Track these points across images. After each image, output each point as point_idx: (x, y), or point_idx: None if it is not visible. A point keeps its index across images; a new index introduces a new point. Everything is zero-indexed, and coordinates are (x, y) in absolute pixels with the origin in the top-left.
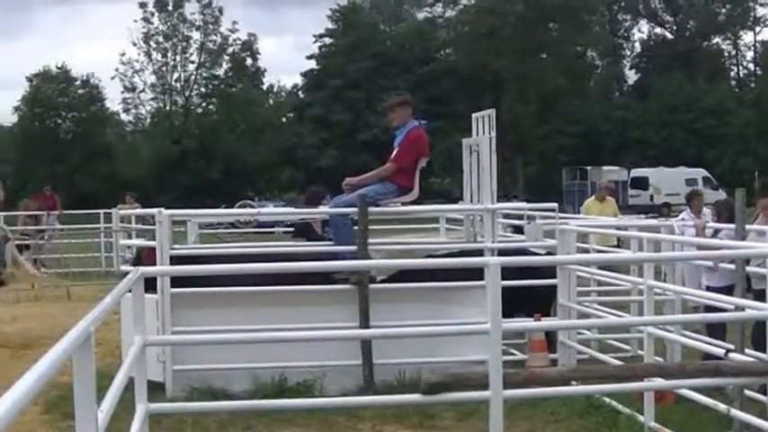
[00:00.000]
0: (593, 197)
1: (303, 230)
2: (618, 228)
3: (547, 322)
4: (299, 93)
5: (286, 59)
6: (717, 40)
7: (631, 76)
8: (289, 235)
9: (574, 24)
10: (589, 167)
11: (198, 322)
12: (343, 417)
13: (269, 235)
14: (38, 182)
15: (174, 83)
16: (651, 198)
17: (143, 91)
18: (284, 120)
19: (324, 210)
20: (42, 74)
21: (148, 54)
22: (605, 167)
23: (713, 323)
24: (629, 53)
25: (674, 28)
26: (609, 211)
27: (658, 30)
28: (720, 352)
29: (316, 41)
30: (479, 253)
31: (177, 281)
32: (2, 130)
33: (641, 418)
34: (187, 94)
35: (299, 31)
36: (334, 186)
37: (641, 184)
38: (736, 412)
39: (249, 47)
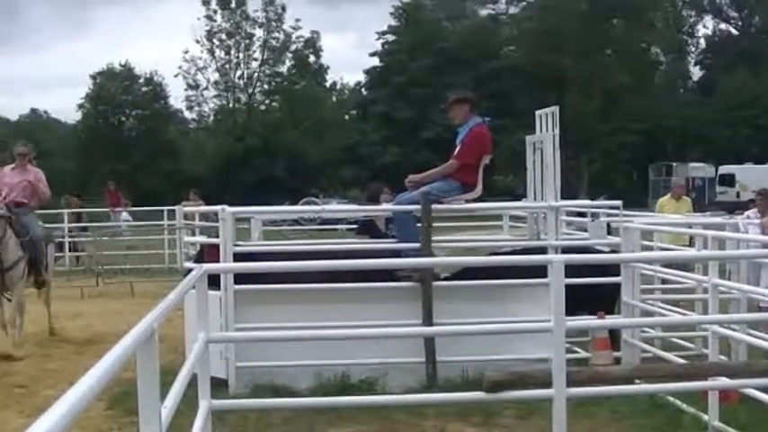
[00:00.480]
0: (668, 195)
1: (366, 227)
2: (683, 225)
3: (610, 320)
4: (363, 90)
5: (348, 57)
6: None
7: (696, 73)
8: (351, 232)
9: (638, 21)
10: (675, 164)
11: (261, 319)
12: (406, 414)
13: (332, 232)
14: (101, 179)
15: (237, 80)
16: (738, 195)
17: (206, 88)
18: (347, 117)
19: (387, 207)
20: (106, 72)
21: (212, 52)
22: (692, 164)
23: None
24: (693, 49)
25: (740, 24)
26: (683, 209)
27: (723, 26)
28: None
29: (379, 39)
30: (543, 250)
31: (240, 278)
32: (66, 128)
33: (705, 417)
34: (250, 91)
35: (360, 28)
36: (397, 183)
37: (728, 180)
38: None
39: (312, 44)
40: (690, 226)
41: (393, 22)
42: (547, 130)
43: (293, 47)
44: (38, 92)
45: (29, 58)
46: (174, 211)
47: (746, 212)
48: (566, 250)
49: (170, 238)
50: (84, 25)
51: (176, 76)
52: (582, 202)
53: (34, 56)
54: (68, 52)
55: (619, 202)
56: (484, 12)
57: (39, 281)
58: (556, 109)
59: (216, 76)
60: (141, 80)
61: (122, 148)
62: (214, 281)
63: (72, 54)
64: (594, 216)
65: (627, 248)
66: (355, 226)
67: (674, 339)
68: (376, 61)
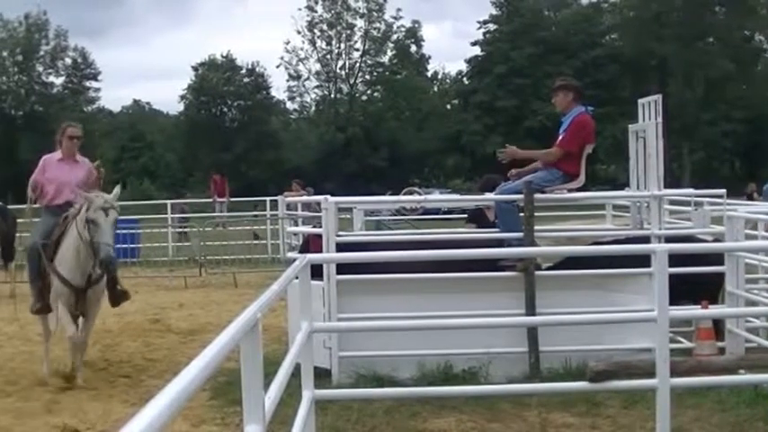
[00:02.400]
0: None
1: (475, 217)
2: None
3: (714, 310)
4: (464, 79)
5: (446, 46)
6: None
7: None
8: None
9: (741, 8)
10: None
11: (363, 309)
12: (509, 404)
13: (434, 222)
14: (204, 170)
15: (338, 70)
16: None
17: (308, 79)
18: (449, 106)
19: (489, 197)
20: (208, 63)
21: (313, 42)
22: None
23: None
24: None
25: None
26: None
27: None
28: None
29: (480, 28)
30: (646, 240)
31: (343, 268)
32: (168, 119)
33: None
34: (352, 81)
35: (458, 17)
36: (500, 173)
37: None
38: None
39: (413, 34)
40: None
41: (494, 11)
42: (649, 118)
43: (394, 37)
44: (140, 83)
45: (130, 49)
46: (276, 201)
47: None
48: (669, 239)
49: (273, 228)
50: (185, 16)
51: (278, 66)
52: (685, 191)
53: (136, 46)
54: (169, 43)
55: (722, 191)
56: (585, 0)
57: (115, 296)
58: (658, 97)
59: (317, 66)
60: (243, 71)
61: (224, 139)
62: (317, 271)
63: (173, 45)
64: (698, 205)
65: (731, 237)
66: (465, 215)
67: None
68: (477, 50)
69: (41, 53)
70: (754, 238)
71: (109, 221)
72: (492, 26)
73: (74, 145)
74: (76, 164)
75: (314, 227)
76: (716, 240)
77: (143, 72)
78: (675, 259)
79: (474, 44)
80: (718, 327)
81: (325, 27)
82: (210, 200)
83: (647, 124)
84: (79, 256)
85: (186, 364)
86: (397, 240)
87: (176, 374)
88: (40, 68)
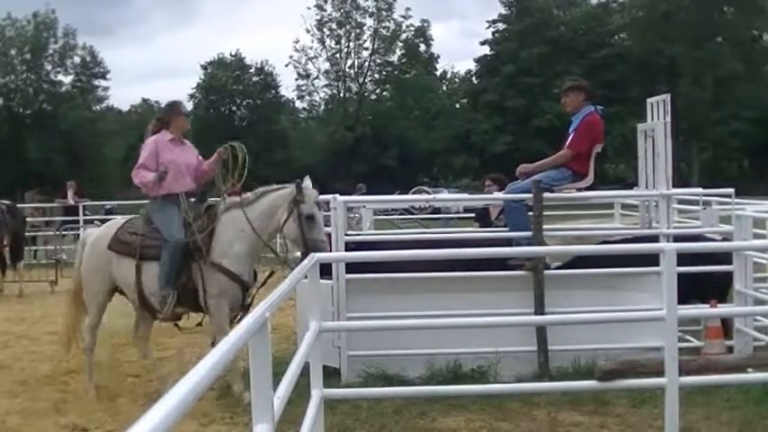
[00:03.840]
0: None
1: (480, 216)
2: None
3: (723, 309)
4: (473, 79)
5: (454, 45)
6: None
7: None
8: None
9: (749, 8)
10: None
11: (372, 308)
12: (518, 403)
13: (443, 221)
14: None
15: (347, 69)
16: None
17: (317, 78)
18: (458, 106)
19: (499, 195)
20: (217, 61)
21: (322, 41)
22: None
23: None
24: None
25: None
26: None
27: None
28: None
29: (489, 27)
30: (654, 239)
31: (352, 267)
32: None
33: None
34: (361, 80)
35: (465, 16)
36: (508, 172)
37: None
38: None
39: (422, 33)
40: None
41: (503, 11)
42: (658, 118)
43: (403, 36)
44: (149, 82)
45: (139, 48)
46: None
47: None
48: (677, 238)
49: None
50: (194, 14)
51: (287, 65)
52: (694, 190)
53: (144, 45)
54: (178, 42)
55: (731, 190)
56: (594, 0)
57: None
58: (667, 97)
59: (326, 65)
60: (252, 70)
61: (233, 138)
62: (326, 270)
63: (182, 43)
64: (706, 204)
65: (739, 236)
66: (473, 215)
67: None
68: (486, 50)
69: (50, 52)
70: (763, 237)
71: (321, 217)
72: (501, 25)
73: (188, 123)
74: (185, 145)
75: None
76: (724, 239)
77: (152, 71)
78: (684, 258)
79: (483, 43)
80: (726, 325)
81: (334, 26)
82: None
83: (656, 124)
84: (252, 251)
85: (195, 363)
86: (406, 240)
87: (185, 374)
88: (49, 67)
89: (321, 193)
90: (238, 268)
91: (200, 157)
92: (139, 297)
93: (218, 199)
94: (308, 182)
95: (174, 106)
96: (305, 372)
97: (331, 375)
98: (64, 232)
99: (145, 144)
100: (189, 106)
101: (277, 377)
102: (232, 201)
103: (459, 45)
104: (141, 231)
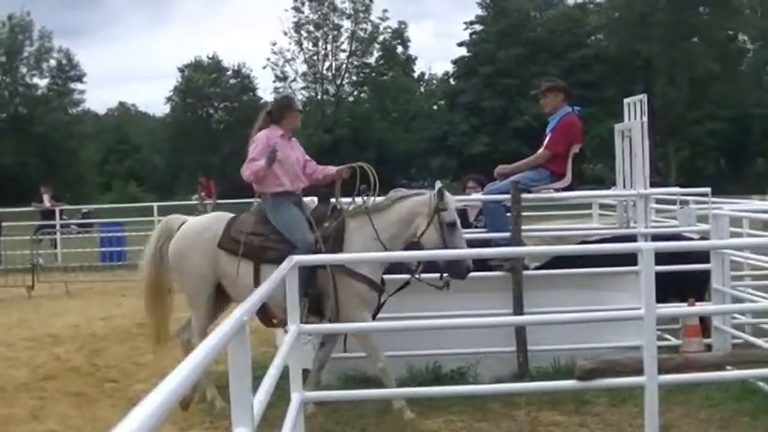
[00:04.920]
0: None
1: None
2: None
3: (701, 307)
4: (451, 80)
5: (427, 46)
6: None
7: None
8: None
9: (725, 8)
10: None
11: None
12: (498, 403)
13: None
14: (190, 171)
15: (325, 71)
16: None
17: (294, 80)
18: (435, 107)
19: (477, 197)
20: (194, 64)
21: (299, 43)
22: None
23: None
24: None
25: None
26: None
27: None
28: None
29: (466, 29)
30: (632, 238)
31: None
32: (154, 121)
33: None
34: (338, 82)
35: (439, 17)
36: (487, 174)
37: None
38: None
39: (400, 35)
40: None
41: (480, 12)
42: (635, 118)
43: (381, 38)
44: (126, 85)
45: (116, 51)
46: None
47: None
48: (655, 238)
49: None
50: (170, 17)
51: (264, 67)
52: (671, 190)
53: (121, 48)
54: (155, 44)
55: (707, 190)
56: (571, 0)
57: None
58: (644, 97)
59: (304, 67)
60: (229, 72)
61: (211, 141)
62: None
63: (159, 46)
64: (683, 203)
65: (716, 235)
66: None
67: (765, 325)
68: (463, 51)
69: (25, 54)
70: (739, 235)
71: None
72: (478, 27)
73: (294, 118)
74: (294, 142)
75: None
76: (702, 238)
77: (128, 73)
78: (662, 257)
79: (460, 45)
80: (704, 324)
81: (311, 28)
82: (196, 202)
83: (633, 124)
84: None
85: (174, 367)
86: None
87: (164, 378)
88: (24, 70)
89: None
90: (376, 275)
91: (307, 156)
92: None
93: (347, 200)
94: (439, 183)
95: (288, 102)
96: (285, 375)
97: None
98: (40, 237)
99: (254, 139)
100: (166, 109)
101: (257, 380)
102: (359, 206)
103: (434, 46)
104: (260, 231)
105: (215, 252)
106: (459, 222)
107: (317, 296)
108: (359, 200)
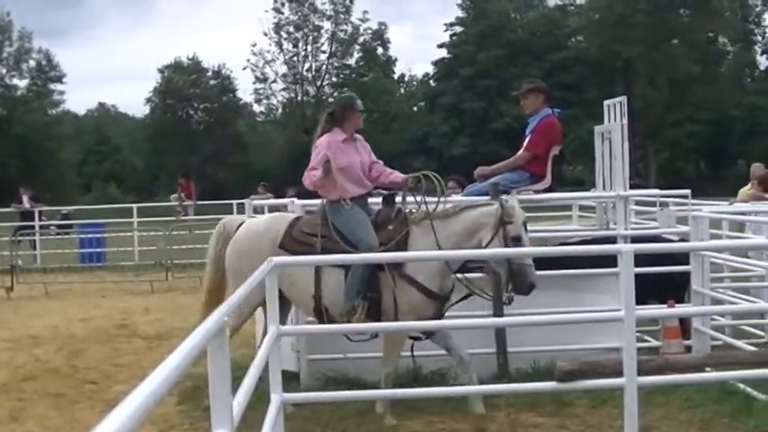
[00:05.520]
0: None
1: None
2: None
3: (681, 309)
4: (431, 81)
5: (407, 48)
6: None
7: (763, 62)
8: None
9: (705, 10)
10: None
11: None
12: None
13: None
14: (170, 172)
15: (305, 73)
16: None
17: (274, 81)
18: (416, 109)
19: (456, 198)
20: (174, 65)
21: (279, 44)
22: None
23: None
24: (760, 38)
25: None
26: None
27: None
28: None
29: (446, 30)
30: (612, 240)
31: None
32: (134, 122)
33: None
34: (318, 83)
35: (418, 19)
36: (467, 175)
37: None
38: None
39: (380, 36)
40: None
41: (460, 14)
42: (615, 119)
43: (361, 39)
44: (105, 85)
45: (95, 51)
46: (243, 204)
47: None
48: (635, 239)
49: None
50: (150, 17)
51: (244, 69)
52: (651, 192)
53: (101, 49)
54: (135, 45)
55: (687, 191)
56: (551, 2)
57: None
58: (624, 99)
59: (284, 68)
60: (209, 73)
61: (191, 142)
62: None
63: (139, 47)
64: (663, 205)
65: (696, 237)
66: None
67: (744, 327)
68: (443, 53)
69: (5, 55)
70: (719, 237)
71: (528, 239)
72: (458, 28)
73: (356, 119)
74: (358, 143)
75: None
76: (681, 240)
77: (108, 74)
78: (641, 259)
79: (440, 46)
80: (684, 325)
81: (291, 29)
82: (176, 203)
83: (613, 125)
84: (447, 264)
85: (154, 369)
86: None
87: (144, 380)
88: (4, 71)
89: (278, 197)
90: (434, 284)
91: (374, 158)
92: (316, 305)
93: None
94: (513, 201)
95: (349, 102)
96: (264, 376)
97: (291, 380)
98: (19, 238)
99: (316, 145)
100: (145, 110)
101: (236, 382)
102: (425, 212)
103: (414, 48)
104: (323, 232)
105: (276, 253)
106: (526, 237)
107: (377, 300)
108: (424, 206)
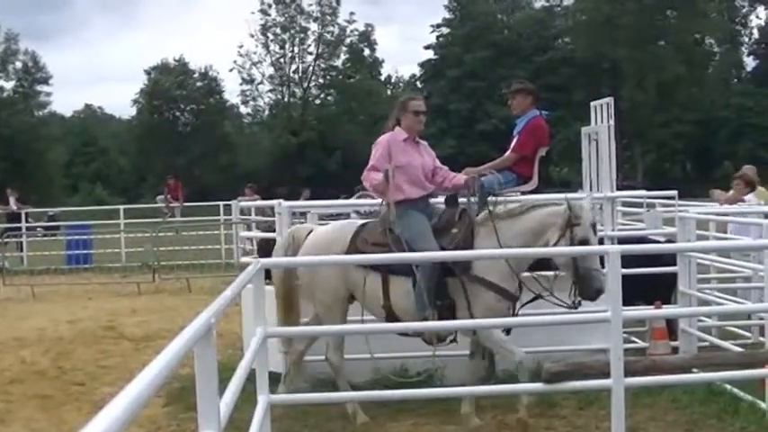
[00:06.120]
0: None
1: None
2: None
3: (667, 310)
4: (417, 83)
5: (393, 50)
6: None
7: (749, 63)
8: None
9: (692, 12)
10: None
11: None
12: None
13: None
14: (157, 174)
15: (292, 74)
16: None
17: (261, 83)
18: None
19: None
20: (160, 66)
21: (266, 46)
22: None
23: None
24: (747, 40)
25: None
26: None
27: None
28: None
29: (433, 31)
30: (599, 241)
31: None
32: (121, 124)
33: (762, 404)
34: (305, 85)
35: (405, 20)
36: None
37: None
38: None
39: (367, 37)
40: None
41: (447, 15)
42: (602, 121)
43: (348, 40)
44: (92, 87)
45: (82, 53)
46: (230, 205)
47: None
48: (622, 241)
49: (226, 233)
50: (137, 19)
51: (231, 70)
52: (637, 193)
53: (87, 50)
54: (122, 47)
55: (674, 192)
56: (538, 3)
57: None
58: (611, 100)
59: (271, 70)
60: (196, 75)
61: (178, 144)
62: (271, 276)
63: (125, 48)
64: (650, 206)
65: (682, 238)
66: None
67: (731, 328)
68: (429, 54)
69: None
70: (706, 238)
71: (597, 242)
72: (445, 30)
73: (420, 122)
74: (420, 145)
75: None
76: (668, 241)
77: (95, 76)
78: (628, 260)
79: (427, 48)
80: (671, 326)
81: (278, 31)
82: (163, 204)
83: (600, 127)
84: (520, 264)
85: (141, 370)
86: None
87: (130, 381)
88: None
89: (265, 198)
90: (508, 283)
91: (438, 163)
92: (388, 315)
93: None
94: (585, 201)
95: (402, 103)
96: (251, 377)
97: (278, 381)
98: (6, 239)
99: (376, 143)
100: (133, 111)
101: (223, 383)
102: (489, 212)
103: (401, 49)
104: (385, 241)
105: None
106: (594, 240)
107: (450, 306)
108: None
